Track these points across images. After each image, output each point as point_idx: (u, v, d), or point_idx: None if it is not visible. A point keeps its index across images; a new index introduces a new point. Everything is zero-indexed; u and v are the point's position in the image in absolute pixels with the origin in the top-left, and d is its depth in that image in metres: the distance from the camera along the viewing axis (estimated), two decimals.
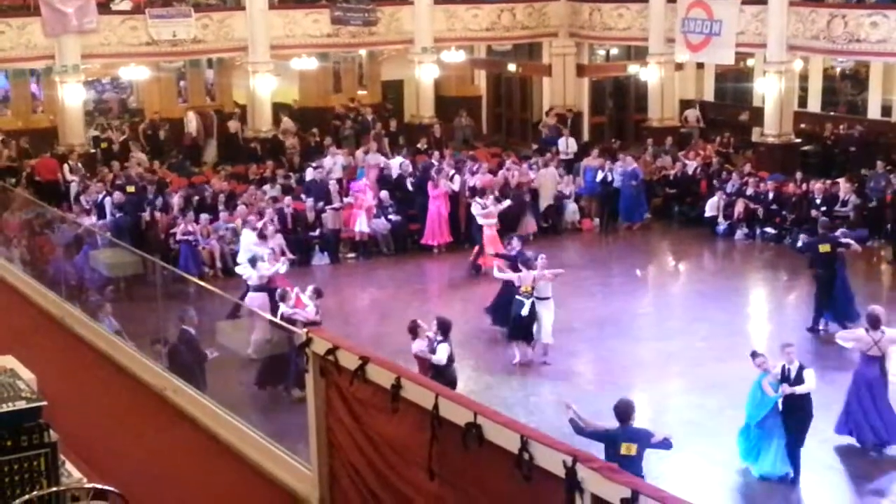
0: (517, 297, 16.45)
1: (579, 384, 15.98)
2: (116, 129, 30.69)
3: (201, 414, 9.19)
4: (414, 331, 14.02)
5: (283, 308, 14.94)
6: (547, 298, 16.61)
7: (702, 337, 17.70)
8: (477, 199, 22.10)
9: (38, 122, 30.31)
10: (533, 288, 16.36)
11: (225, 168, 27.31)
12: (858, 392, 13.42)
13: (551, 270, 16.83)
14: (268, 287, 16.80)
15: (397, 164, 25.28)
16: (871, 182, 23.29)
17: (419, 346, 13.84)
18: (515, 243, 18.10)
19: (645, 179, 25.56)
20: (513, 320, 16.61)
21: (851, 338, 13.93)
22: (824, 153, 28.63)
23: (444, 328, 13.89)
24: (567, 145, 28.92)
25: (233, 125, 30.28)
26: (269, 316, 14.75)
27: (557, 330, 16.98)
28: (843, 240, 17.73)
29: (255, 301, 16.45)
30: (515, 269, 16.94)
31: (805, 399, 12.72)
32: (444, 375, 13.51)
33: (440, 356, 13.68)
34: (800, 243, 19.45)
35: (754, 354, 13.25)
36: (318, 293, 15.56)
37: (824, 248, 17.60)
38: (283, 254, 19.85)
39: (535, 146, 30.11)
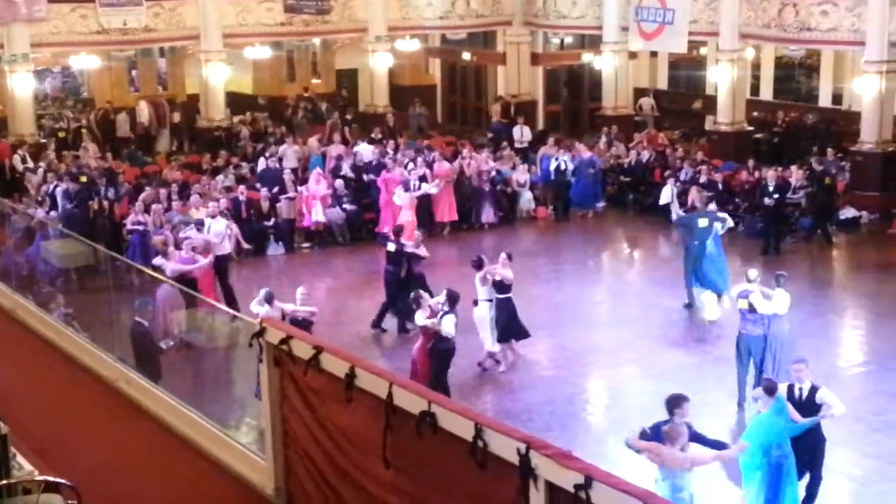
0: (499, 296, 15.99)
1: (536, 371, 16.02)
2: (68, 118, 30.40)
3: (155, 405, 9.14)
4: (417, 301, 14.23)
5: (284, 306, 14.41)
6: (487, 300, 15.91)
7: (657, 324, 17.81)
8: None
9: None
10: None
11: (178, 158, 27.11)
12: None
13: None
14: (182, 278, 16.24)
15: (369, 151, 25.25)
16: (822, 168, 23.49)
17: (425, 318, 14.02)
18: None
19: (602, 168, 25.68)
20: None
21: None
22: (776, 141, 28.92)
23: (453, 300, 14.05)
24: (521, 134, 29.00)
25: (175, 116, 30.19)
26: (225, 307, 14.61)
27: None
28: (720, 214, 18.79)
29: (165, 292, 15.44)
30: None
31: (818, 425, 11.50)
32: (447, 346, 13.92)
33: (448, 328, 13.84)
34: (674, 216, 19.77)
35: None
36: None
37: (702, 222, 18.48)
38: (238, 244, 19.81)
39: (489, 135, 30.17)
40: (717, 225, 18.48)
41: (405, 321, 17.00)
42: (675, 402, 10.36)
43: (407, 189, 21.73)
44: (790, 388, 11.35)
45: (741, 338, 14.43)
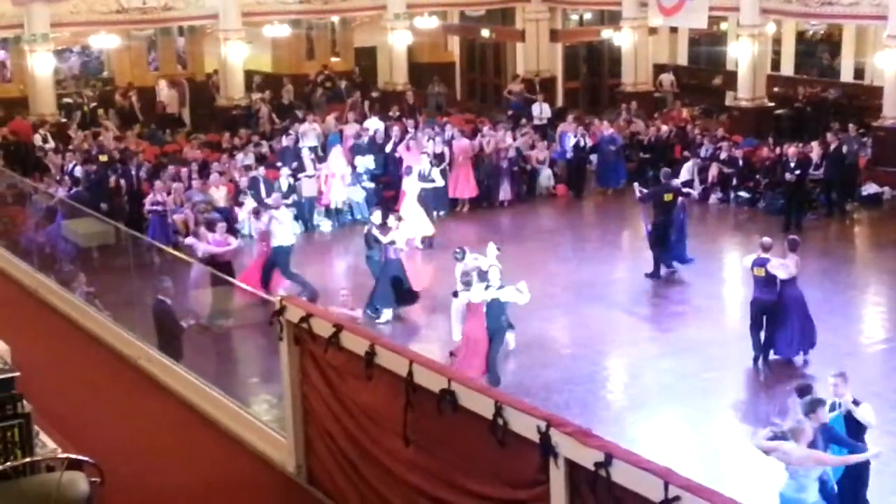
0: None
1: (555, 349, 16.03)
2: (88, 97, 30.50)
3: (176, 383, 9.18)
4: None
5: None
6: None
7: (676, 301, 17.79)
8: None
9: (8, 91, 30.03)
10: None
11: (198, 137, 27.16)
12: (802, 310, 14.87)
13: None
14: (213, 261, 16.31)
15: (374, 127, 25.23)
16: (844, 146, 23.33)
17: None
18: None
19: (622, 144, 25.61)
20: None
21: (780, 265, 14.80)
22: (797, 117, 28.73)
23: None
24: (541, 111, 28.91)
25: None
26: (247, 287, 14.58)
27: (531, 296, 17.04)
28: (684, 189, 19.21)
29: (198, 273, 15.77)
30: None
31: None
32: None
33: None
34: (637, 193, 19.62)
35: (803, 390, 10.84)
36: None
37: (668, 196, 18.79)
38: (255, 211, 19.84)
39: (510, 112, 30.07)
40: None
41: (377, 306, 17.02)
42: (811, 407, 10.11)
43: (409, 175, 21.43)
44: (831, 407, 10.52)
45: (755, 302, 15.05)
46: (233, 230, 21.34)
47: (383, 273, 17.13)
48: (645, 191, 19.70)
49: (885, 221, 22.56)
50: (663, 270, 18.77)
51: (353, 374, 7.02)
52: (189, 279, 15.40)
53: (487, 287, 14.30)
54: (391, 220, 17.62)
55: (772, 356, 15.13)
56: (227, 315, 15.38)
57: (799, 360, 15.12)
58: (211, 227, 17.85)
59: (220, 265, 16.18)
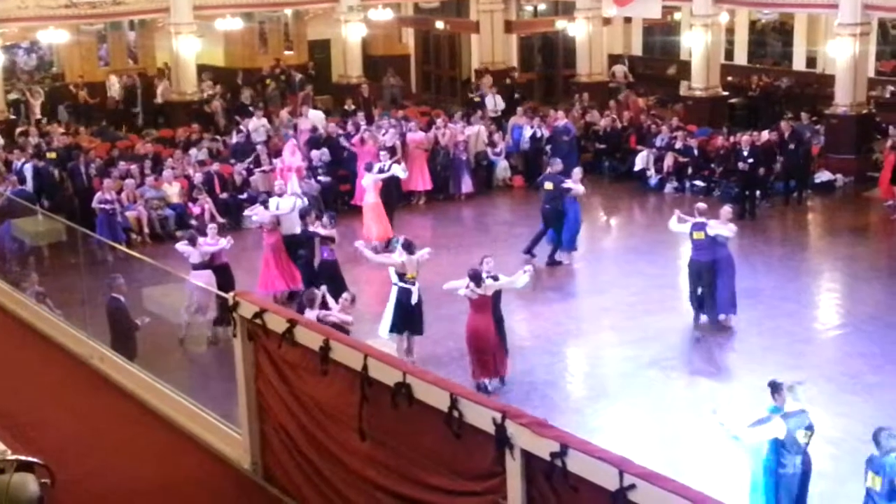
0: (402, 284, 14.88)
1: (514, 340, 15.92)
2: (37, 94, 30.14)
3: (130, 382, 9.06)
4: (311, 301, 13.59)
5: (310, 313, 13.27)
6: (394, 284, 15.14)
7: (634, 291, 17.83)
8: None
9: None
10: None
11: (150, 132, 26.91)
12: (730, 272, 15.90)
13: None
14: (211, 264, 16.14)
15: (320, 119, 25.13)
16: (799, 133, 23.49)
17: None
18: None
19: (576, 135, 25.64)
20: (397, 310, 14.83)
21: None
22: (751, 105, 28.93)
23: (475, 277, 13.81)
24: (495, 103, 28.86)
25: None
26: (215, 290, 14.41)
27: None
28: (564, 183, 19.34)
29: (201, 279, 15.34)
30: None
31: None
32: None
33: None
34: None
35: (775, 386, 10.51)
36: (353, 299, 14.34)
37: (548, 185, 19.45)
38: (212, 217, 19.65)
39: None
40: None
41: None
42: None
43: (370, 170, 21.16)
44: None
45: (692, 263, 16.15)
46: (187, 226, 21.24)
47: (319, 275, 16.44)
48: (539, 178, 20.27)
49: (837, 209, 22.76)
50: (562, 255, 19.26)
51: (308, 369, 6.97)
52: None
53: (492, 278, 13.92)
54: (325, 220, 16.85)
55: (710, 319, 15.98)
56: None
57: (730, 321, 16.01)
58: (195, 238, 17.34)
59: (218, 268, 16.01)
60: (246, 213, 19.09)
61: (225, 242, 16.46)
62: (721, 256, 15.87)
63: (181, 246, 16.41)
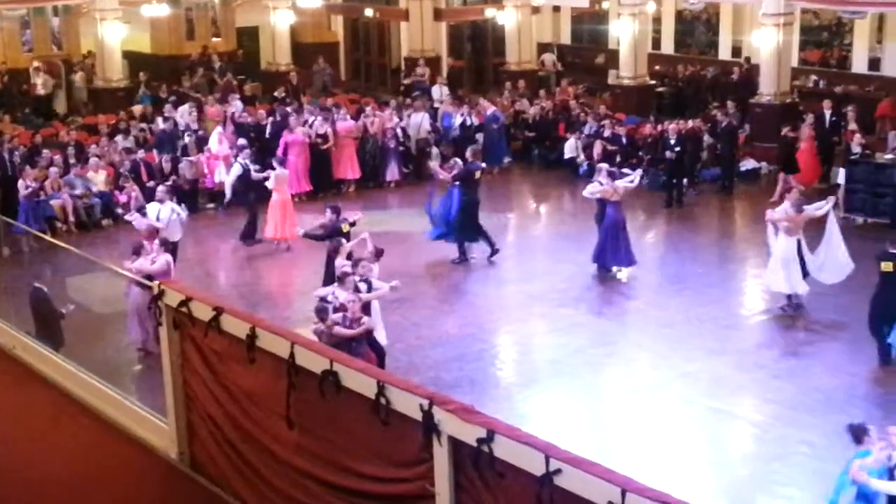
0: None
1: (444, 328, 16.00)
2: None
3: (53, 371, 8.94)
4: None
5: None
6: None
7: (564, 277, 17.92)
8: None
9: None
10: None
11: (75, 120, 26.49)
12: (613, 231, 17.37)
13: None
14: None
15: (239, 107, 24.98)
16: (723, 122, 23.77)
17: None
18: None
19: (505, 123, 25.71)
20: None
21: (597, 191, 17.59)
22: (678, 94, 29.23)
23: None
24: (441, 93, 28.69)
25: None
26: (126, 272, 14.12)
27: (419, 276, 17.03)
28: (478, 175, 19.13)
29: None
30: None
31: None
32: None
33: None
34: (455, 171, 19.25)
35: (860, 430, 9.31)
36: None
37: (478, 174, 19.21)
38: (139, 208, 19.38)
39: (416, 93, 29.70)
40: None
41: None
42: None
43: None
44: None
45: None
46: (114, 215, 20.97)
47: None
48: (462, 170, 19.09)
49: (762, 196, 22.99)
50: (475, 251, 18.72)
51: (235, 357, 6.93)
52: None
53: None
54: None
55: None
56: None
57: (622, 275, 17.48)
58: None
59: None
60: (126, 217, 17.91)
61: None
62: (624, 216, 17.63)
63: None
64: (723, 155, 23.14)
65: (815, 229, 16.10)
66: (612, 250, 17.56)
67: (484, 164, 19.95)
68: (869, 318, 14.11)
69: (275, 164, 20.00)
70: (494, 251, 18.67)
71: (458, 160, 19.33)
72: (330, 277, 14.38)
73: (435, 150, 25.01)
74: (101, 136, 23.82)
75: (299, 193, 22.55)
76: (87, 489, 7.46)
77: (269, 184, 19.13)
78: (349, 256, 14.31)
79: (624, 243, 17.55)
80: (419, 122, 24.98)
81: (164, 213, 17.21)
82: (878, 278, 13.97)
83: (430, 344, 15.24)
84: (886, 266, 13.76)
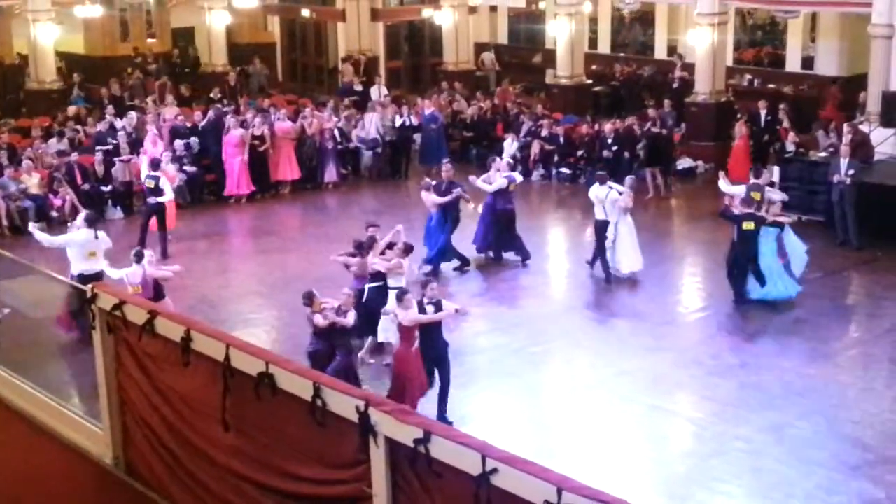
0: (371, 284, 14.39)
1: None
2: None
3: None
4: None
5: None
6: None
7: (503, 278, 17.97)
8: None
9: None
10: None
11: (7, 122, 26.11)
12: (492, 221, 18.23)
13: None
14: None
15: (173, 111, 24.76)
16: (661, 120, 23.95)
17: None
18: None
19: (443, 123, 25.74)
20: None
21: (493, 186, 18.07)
22: (615, 93, 29.44)
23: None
24: (380, 93, 28.64)
25: None
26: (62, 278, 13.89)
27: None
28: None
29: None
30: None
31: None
32: None
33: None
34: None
35: None
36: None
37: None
38: (74, 209, 19.17)
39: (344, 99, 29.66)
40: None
41: None
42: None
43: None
44: None
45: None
46: (48, 218, 20.66)
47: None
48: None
49: (699, 195, 23.26)
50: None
51: (170, 361, 6.87)
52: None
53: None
54: None
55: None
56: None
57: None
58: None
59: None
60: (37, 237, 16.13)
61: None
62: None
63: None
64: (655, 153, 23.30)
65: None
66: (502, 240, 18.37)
67: (461, 189, 18.35)
68: (728, 267, 16.31)
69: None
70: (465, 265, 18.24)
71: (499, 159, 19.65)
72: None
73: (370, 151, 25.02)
74: (35, 138, 23.50)
75: (238, 195, 22.46)
76: (21, 495, 7.36)
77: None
78: (390, 247, 14.72)
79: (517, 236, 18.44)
80: (370, 122, 24.99)
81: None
82: (737, 235, 16.04)
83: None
84: (748, 225, 15.90)
